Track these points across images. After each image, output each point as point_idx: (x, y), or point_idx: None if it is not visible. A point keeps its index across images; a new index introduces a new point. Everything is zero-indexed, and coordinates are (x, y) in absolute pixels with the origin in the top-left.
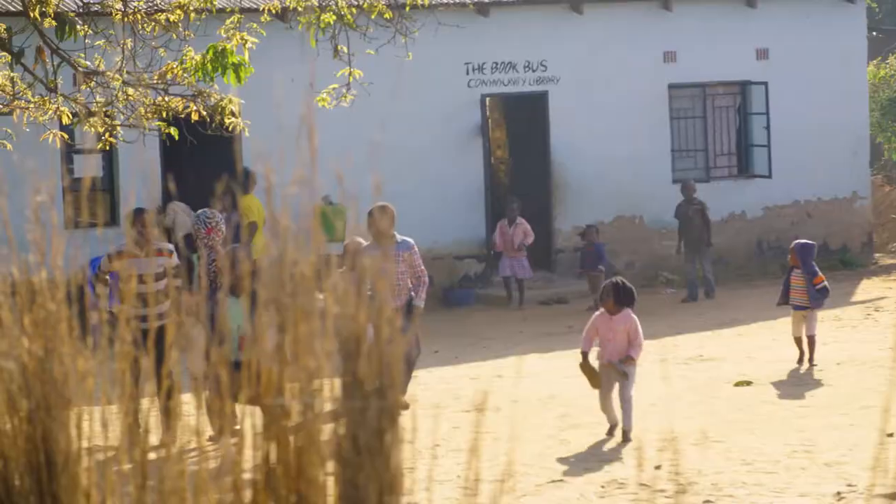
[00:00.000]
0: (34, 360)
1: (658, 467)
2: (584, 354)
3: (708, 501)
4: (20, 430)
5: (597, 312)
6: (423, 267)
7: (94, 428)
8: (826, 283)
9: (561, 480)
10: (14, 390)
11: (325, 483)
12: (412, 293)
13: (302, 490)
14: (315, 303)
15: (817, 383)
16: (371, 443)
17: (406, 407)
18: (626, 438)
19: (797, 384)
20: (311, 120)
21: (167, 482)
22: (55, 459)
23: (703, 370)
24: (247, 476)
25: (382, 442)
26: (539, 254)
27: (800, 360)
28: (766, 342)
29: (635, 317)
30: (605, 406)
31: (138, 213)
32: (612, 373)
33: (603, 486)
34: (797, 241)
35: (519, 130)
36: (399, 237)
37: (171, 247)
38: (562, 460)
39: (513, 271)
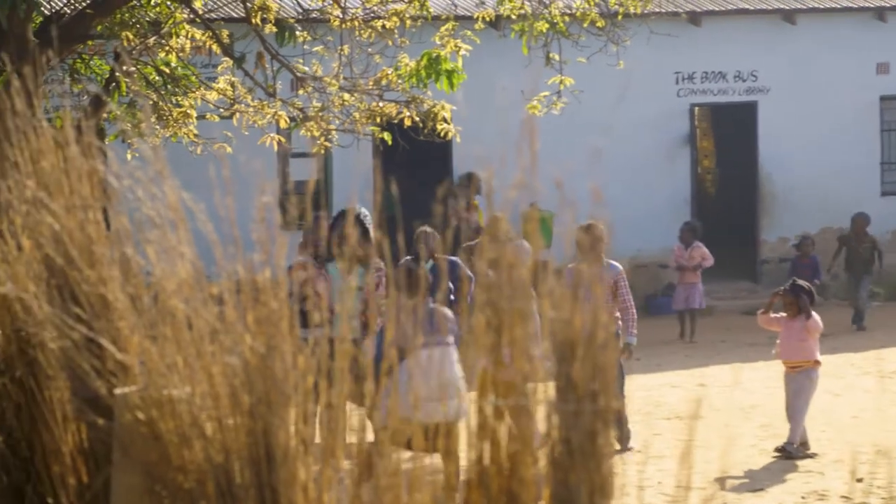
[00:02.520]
0: (256, 357)
1: (860, 480)
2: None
3: None
4: (242, 425)
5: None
6: (630, 297)
7: (313, 424)
8: None
9: (761, 490)
10: (237, 385)
11: (537, 483)
12: (619, 324)
13: (514, 489)
14: (532, 306)
15: None
16: (584, 445)
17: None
18: (781, 450)
19: None
20: (532, 126)
21: (383, 479)
22: (275, 454)
23: None
24: (461, 475)
25: (595, 444)
26: (744, 264)
27: None
28: None
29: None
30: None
31: (316, 219)
32: (788, 380)
33: (803, 497)
34: None
35: (726, 140)
36: (605, 260)
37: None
38: (763, 470)
39: (687, 303)
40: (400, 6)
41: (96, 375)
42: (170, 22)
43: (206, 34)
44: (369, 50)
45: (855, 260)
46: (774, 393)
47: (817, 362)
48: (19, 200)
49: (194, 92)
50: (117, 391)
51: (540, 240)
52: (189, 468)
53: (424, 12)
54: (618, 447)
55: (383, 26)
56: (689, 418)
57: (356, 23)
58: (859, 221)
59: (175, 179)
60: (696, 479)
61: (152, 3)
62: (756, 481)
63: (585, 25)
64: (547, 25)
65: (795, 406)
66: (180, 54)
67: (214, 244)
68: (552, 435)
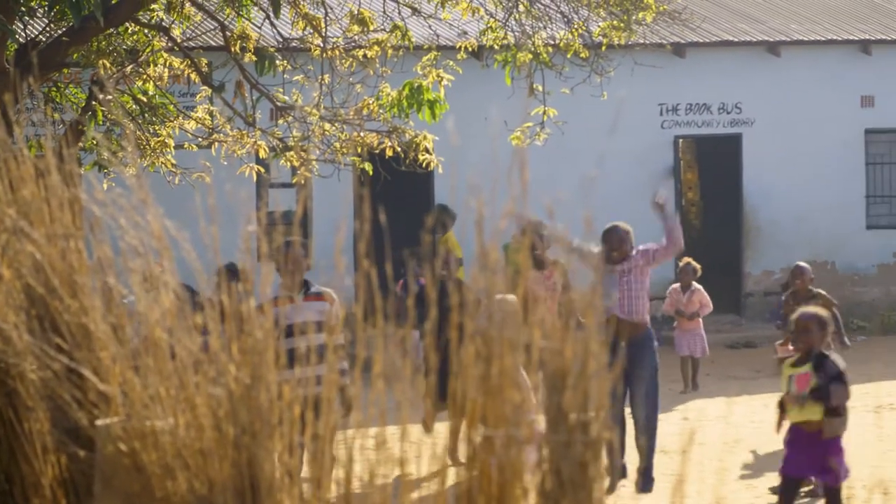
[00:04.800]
0: (241, 387)
1: None
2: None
3: None
4: (226, 456)
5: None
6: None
7: (298, 455)
8: None
9: None
10: (221, 416)
11: None
12: None
13: None
14: (521, 336)
15: None
16: (574, 476)
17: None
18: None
19: None
20: (522, 156)
21: None
22: (260, 485)
23: (894, 419)
24: None
25: (586, 475)
26: (728, 297)
27: None
28: None
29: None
30: None
31: (286, 245)
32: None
33: None
34: None
35: (711, 173)
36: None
37: (331, 291)
38: None
39: (690, 349)
40: (381, 35)
41: (77, 406)
42: (147, 50)
43: (185, 62)
44: (350, 79)
45: None
46: (759, 427)
47: None
48: None
49: (172, 121)
50: (99, 422)
51: (528, 268)
52: (172, 500)
53: (406, 42)
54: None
55: (364, 56)
56: (679, 452)
57: (337, 52)
58: (799, 275)
59: (158, 208)
60: None
61: (129, 31)
62: None
63: (569, 56)
64: (530, 56)
65: None
66: (158, 83)
67: (198, 273)
68: (542, 466)
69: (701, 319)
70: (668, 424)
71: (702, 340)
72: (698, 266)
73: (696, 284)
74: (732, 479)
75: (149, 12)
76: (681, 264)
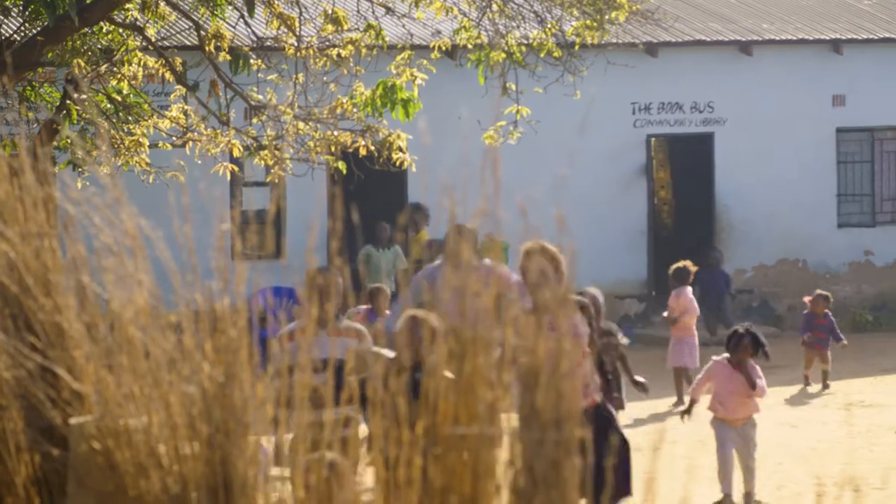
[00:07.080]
0: (215, 386)
1: None
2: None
3: None
4: (199, 455)
5: (716, 359)
6: None
7: (271, 454)
8: None
9: None
10: (195, 415)
11: None
12: None
13: None
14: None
15: None
16: (547, 474)
17: None
18: (748, 502)
19: None
20: (495, 155)
21: None
22: (233, 484)
23: (864, 416)
24: None
25: (558, 474)
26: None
27: None
28: None
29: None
30: (724, 471)
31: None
32: (733, 433)
33: None
34: None
35: (683, 171)
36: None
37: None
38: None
39: (683, 361)
40: (355, 35)
41: (51, 405)
42: (122, 49)
43: (159, 62)
44: (324, 78)
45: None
46: None
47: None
48: None
49: (146, 120)
50: (72, 421)
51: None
52: (146, 499)
53: (380, 41)
54: None
55: (338, 55)
56: (650, 450)
57: (311, 51)
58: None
59: (132, 207)
60: None
61: (104, 30)
62: None
63: (542, 56)
64: (503, 55)
65: (754, 456)
66: (132, 82)
67: (172, 272)
68: (515, 464)
69: (694, 327)
70: (640, 422)
71: (695, 349)
72: (693, 269)
73: (681, 287)
74: (706, 476)
75: (123, 12)
76: (675, 268)
